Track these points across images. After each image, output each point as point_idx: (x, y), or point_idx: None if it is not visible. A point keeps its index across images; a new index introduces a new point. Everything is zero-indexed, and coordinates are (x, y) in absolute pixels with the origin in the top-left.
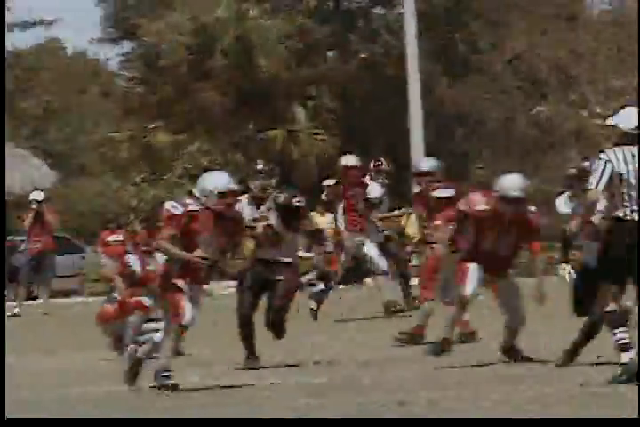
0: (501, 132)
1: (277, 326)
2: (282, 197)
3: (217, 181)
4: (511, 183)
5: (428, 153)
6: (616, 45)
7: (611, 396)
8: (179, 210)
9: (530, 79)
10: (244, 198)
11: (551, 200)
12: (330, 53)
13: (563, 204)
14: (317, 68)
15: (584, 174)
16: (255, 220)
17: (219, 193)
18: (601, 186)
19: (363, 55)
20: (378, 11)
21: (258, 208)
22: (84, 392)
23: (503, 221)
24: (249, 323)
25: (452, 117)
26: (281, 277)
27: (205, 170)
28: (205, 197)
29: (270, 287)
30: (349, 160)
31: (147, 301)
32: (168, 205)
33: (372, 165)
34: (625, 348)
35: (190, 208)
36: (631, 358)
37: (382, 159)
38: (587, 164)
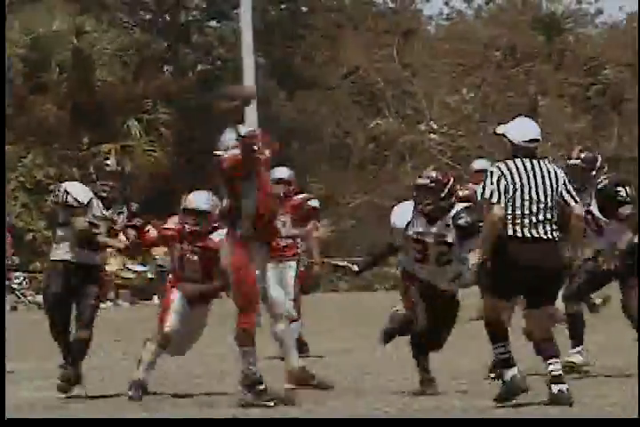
0: (338, 146)
1: None
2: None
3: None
4: (198, 197)
5: None
6: (452, 60)
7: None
8: None
9: (366, 94)
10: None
11: (384, 214)
12: (166, 67)
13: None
14: (153, 82)
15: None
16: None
17: None
18: (501, 199)
19: (198, 69)
20: (213, 24)
21: (107, 209)
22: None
23: (188, 242)
24: None
25: (289, 131)
26: None
27: (38, 183)
28: None
29: None
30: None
31: None
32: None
33: None
34: (505, 364)
35: None
36: (514, 375)
37: None
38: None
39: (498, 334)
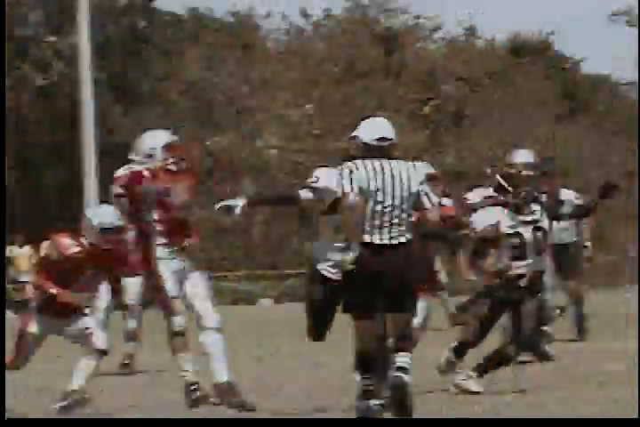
0: None
1: None
2: None
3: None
4: (107, 213)
5: (102, 182)
6: (291, 75)
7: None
8: None
9: (204, 108)
10: None
11: (221, 230)
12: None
13: None
14: None
15: None
16: None
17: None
18: (355, 189)
19: (36, 84)
20: (51, 39)
21: None
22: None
23: (96, 259)
24: None
25: (126, 146)
26: None
27: None
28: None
29: None
30: None
31: None
32: None
33: None
34: (367, 396)
35: None
36: (370, 406)
37: None
38: None
39: (370, 363)
